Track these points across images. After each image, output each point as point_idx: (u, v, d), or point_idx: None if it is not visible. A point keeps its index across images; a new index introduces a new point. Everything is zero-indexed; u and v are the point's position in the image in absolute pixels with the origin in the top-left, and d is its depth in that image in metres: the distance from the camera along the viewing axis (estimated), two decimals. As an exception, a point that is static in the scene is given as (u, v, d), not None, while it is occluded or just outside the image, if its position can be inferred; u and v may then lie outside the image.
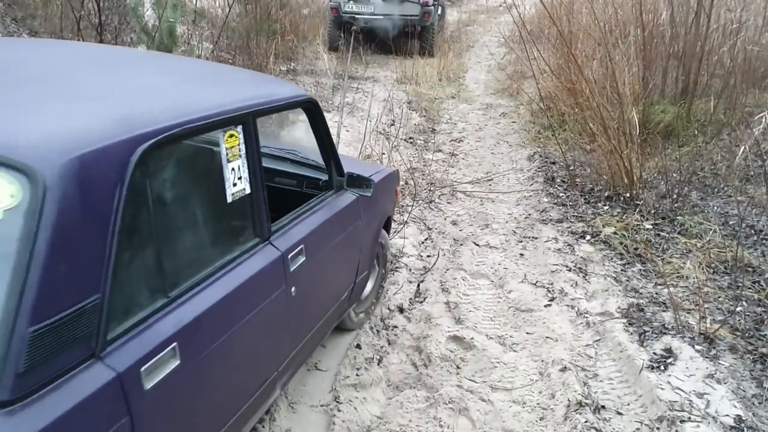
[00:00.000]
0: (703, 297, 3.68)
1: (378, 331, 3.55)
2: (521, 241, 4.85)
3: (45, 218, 1.30)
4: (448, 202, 5.60)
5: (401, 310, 3.81)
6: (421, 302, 3.92)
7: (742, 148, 5.37)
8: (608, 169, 5.47)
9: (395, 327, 3.62)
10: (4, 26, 6.09)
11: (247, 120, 2.07)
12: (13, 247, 1.29)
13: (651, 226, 4.83)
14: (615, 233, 4.72)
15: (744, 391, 2.98)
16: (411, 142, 7.17)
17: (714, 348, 3.31)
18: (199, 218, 1.93)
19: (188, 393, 1.74)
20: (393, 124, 7.60)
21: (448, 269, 4.34)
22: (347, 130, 7.34)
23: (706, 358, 3.21)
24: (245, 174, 2.06)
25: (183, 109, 1.78)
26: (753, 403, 2.90)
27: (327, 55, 9.89)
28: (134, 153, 1.53)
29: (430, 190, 5.71)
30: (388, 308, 3.80)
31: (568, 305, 3.87)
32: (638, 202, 5.17)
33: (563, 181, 5.91)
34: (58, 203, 1.32)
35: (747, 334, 3.43)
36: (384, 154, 6.19)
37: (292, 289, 2.30)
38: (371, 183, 2.84)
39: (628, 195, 5.29)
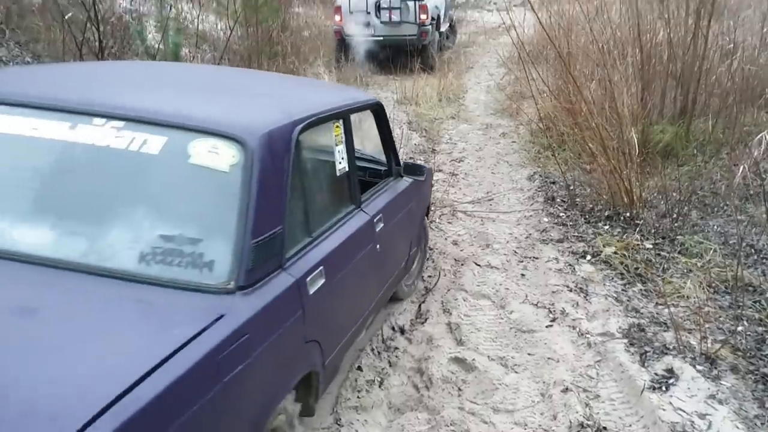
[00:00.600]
0: (703, 317, 3.69)
1: (379, 352, 3.55)
2: (522, 261, 4.86)
3: (254, 172, 2.01)
4: (449, 222, 5.61)
5: (402, 331, 3.81)
6: (423, 323, 3.92)
7: (741, 167, 5.39)
8: (608, 189, 5.49)
9: (396, 348, 3.62)
10: (8, 50, 6.16)
11: (346, 116, 2.87)
12: (237, 189, 1.98)
13: (651, 246, 4.84)
14: (615, 253, 4.73)
15: (746, 411, 2.97)
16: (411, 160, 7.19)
17: (715, 368, 3.31)
18: (324, 184, 2.69)
19: (329, 302, 2.47)
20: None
21: (449, 290, 4.34)
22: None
23: (708, 378, 3.21)
24: (345, 155, 2.81)
25: (312, 105, 2.59)
26: (755, 424, 2.89)
27: (328, 76, 9.97)
28: (294, 131, 2.28)
29: (431, 210, 5.73)
30: (391, 328, 3.80)
31: (569, 326, 3.88)
32: (638, 222, 5.18)
33: (563, 201, 5.93)
34: (259, 162, 2.03)
35: (748, 354, 3.42)
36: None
37: (377, 246, 3.03)
38: (423, 169, 3.69)
39: (628, 215, 5.31)
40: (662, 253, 4.73)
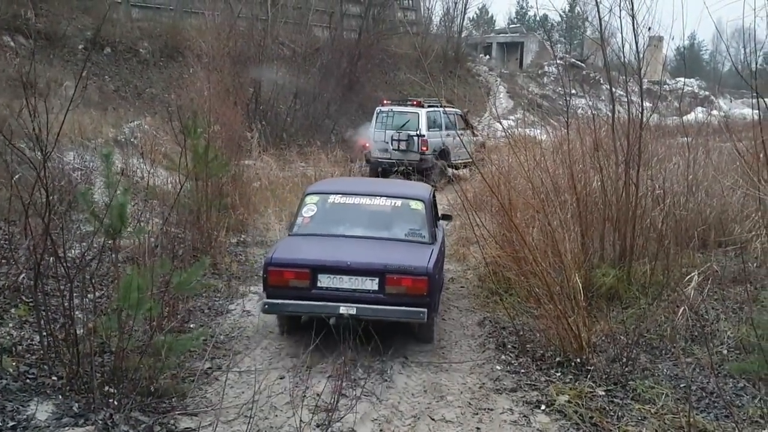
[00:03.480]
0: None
1: None
2: (477, 414, 4.75)
3: (426, 210, 6.49)
4: (401, 373, 5.50)
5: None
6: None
7: (681, 309, 5.55)
8: (557, 335, 5.53)
9: None
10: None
11: (429, 198, 6.82)
12: (424, 216, 6.45)
13: (604, 393, 4.82)
14: (569, 402, 4.68)
15: None
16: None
17: None
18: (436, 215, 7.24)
19: (441, 250, 6.63)
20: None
21: (403, 449, 4.18)
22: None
23: None
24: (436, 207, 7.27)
25: (414, 194, 6.81)
26: None
27: (279, 225, 10.07)
28: (431, 197, 6.99)
29: (382, 361, 5.62)
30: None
31: (528, 484, 3.74)
32: (589, 368, 5.19)
33: (514, 347, 5.93)
34: (427, 207, 6.57)
35: None
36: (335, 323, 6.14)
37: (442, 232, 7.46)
38: (450, 216, 7.83)
39: (578, 360, 5.32)
40: (616, 400, 4.71)
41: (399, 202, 6.50)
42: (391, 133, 15.81)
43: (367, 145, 16.59)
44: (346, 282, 5.60)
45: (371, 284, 5.57)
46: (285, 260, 5.77)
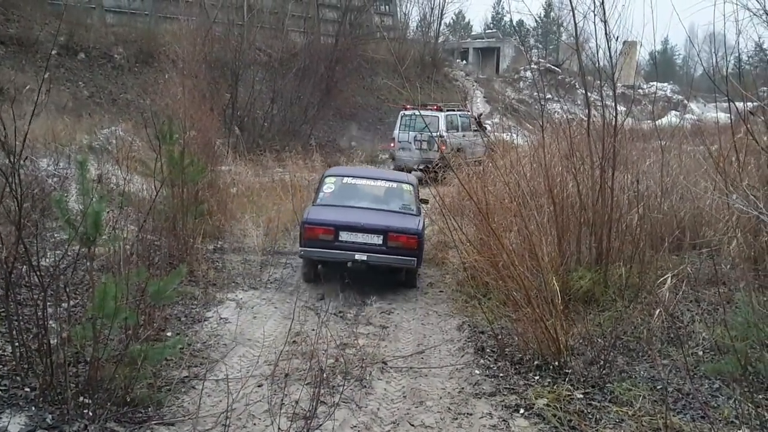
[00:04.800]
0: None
1: None
2: (456, 418, 4.75)
3: (414, 191, 8.97)
4: (380, 379, 5.49)
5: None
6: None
7: (657, 311, 5.60)
8: (535, 338, 5.55)
9: None
10: None
11: (416, 184, 9.22)
12: (413, 195, 8.86)
13: (582, 395, 4.85)
14: (548, 405, 4.70)
15: None
16: (341, 316, 7.14)
17: None
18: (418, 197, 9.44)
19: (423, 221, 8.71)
20: (322, 299, 7.60)
21: (383, 455, 4.16)
22: (275, 307, 7.28)
23: None
24: (418, 192, 9.28)
25: (404, 180, 9.35)
26: None
27: (255, 232, 10.01)
28: (416, 182, 9.52)
29: (361, 367, 5.60)
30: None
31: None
32: (567, 371, 5.21)
33: (493, 351, 5.94)
34: (415, 189, 9.03)
35: None
36: (313, 330, 6.13)
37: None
38: (426, 200, 9.50)
39: (556, 363, 5.34)
40: (594, 403, 4.73)
41: (395, 185, 9.02)
42: (413, 134, 18.21)
43: (392, 144, 19.16)
44: (359, 237, 7.87)
45: (378, 239, 7.85)
46: (316, 220, 8.03)
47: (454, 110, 18.94)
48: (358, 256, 7.74)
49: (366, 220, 7.98)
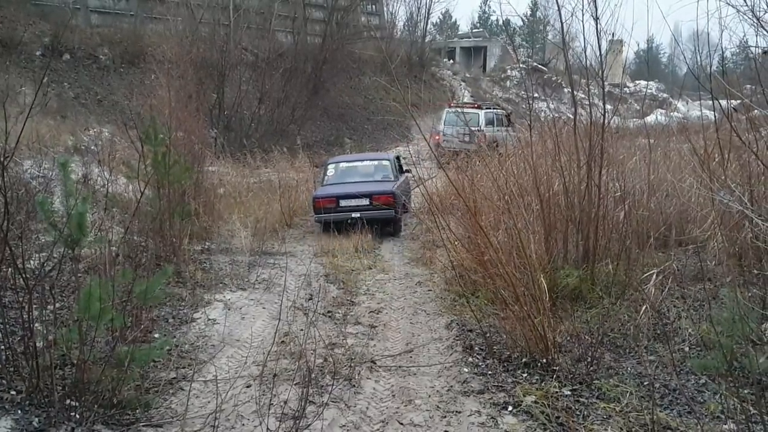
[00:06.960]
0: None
1: None
2: (445, 417, 4.76)
3: (392, 164, 13.22)
4: (369, 378, 5.49)
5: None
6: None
7: (644, 307, 5.64)
8: (523, 336, 5.56)
9: None
10: None
11: (393, 159, 13.67)
12: (391, 167, 13.12)
13: (570, 392, 4.87)
14: (536, 402, 4.72)
15: None
16: (329, 316, 7.14)
17: None
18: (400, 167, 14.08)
19: (405, 184, 13.30)
20: (311, 299, 7.60)
21: (372, 454, 4.16)
22: (263, 307, 7.27)
23: None
24: (400, 164, 13.92)
25: (384, 158, 14.13)
26: None
27: (244, 232, 9.98)
28: (394, 158, 13.90)
29: (350, 367, 5.60)
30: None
31: (496, 486, 3.75)
32: (555, 368, 5.23)
33: (481, 349, 5.96)
34: (392, 163, 13.31)
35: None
36: (302, 330, 6.12)
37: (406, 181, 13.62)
38: (409, 170, 13.25)
39: (544, 361, 5.36)
40: (581, 400, 4.75)
41: (377, 162, 13.51)
42: (457, 129, 20.49)
43: (437, 137, 21.74)
44: (353, 202, 11.54)
45: (365, 201, 11.56)
46: (323, 195, 12.09)
47: (491, 108, 22.57)
48: (354, 215, 11.23)
49: (357, 190, 11.67)
